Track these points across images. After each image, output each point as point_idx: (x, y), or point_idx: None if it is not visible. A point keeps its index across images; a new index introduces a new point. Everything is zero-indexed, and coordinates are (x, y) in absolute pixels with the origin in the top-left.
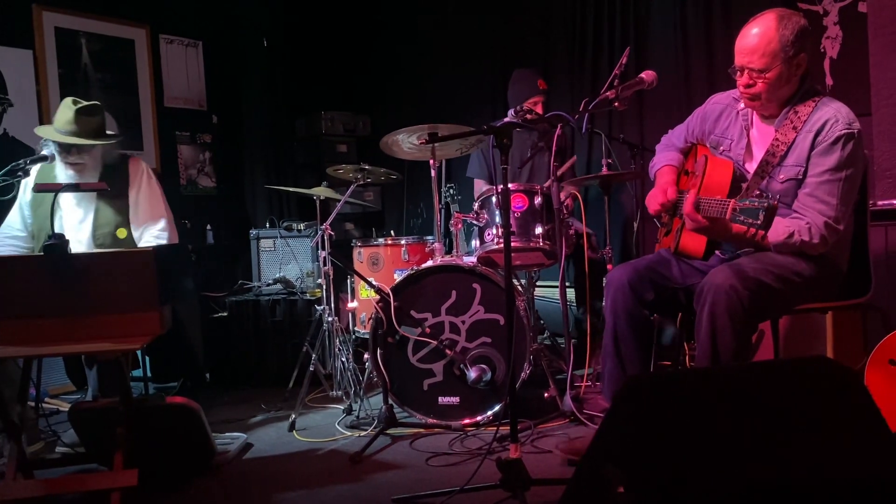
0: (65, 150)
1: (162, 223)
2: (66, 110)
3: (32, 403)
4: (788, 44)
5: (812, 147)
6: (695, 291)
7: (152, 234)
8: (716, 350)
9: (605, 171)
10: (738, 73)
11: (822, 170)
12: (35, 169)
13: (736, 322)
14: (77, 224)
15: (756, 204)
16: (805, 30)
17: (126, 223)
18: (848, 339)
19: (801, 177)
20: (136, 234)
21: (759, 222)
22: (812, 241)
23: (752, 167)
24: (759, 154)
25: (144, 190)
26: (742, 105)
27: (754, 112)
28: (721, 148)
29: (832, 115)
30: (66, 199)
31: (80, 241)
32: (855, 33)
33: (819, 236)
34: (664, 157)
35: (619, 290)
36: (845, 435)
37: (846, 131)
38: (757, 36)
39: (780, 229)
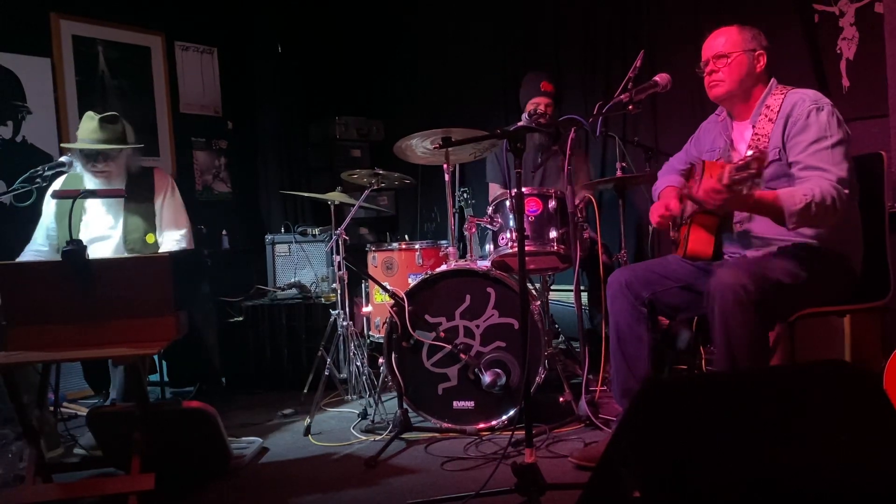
0: (91, 159)
1: (184, 230)
2: (89, 121)
3: (51, 408)
4: (749, 38)
5: (784, 129)
6: (701, 291)
7: (173, 238)
8: (731, 350)
9: (619, 174)
10: (704, 66)
11: (806, 144)
12: (60, 180)
13: (748, 319)
14: (108, 230)
15: (747, 158)
16: (762, 36)
17: (153, 229)
18: (866, 343)
19: (779, 157)
20: (158, 239)
21: (753, 171)
22: (825, 202)
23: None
24: (741, 149)
25: (169, 201)
26: (721, 116)
27: (728, 117)
28: (715, 158)
29: (798, 98)
30: (97, 208)
31: (111, 245)
32: (872, 34)
33: (830, 198)
34: (665, 180)
35: (617, 291)
36: (864, 440)
37: (814, 105)
38: (719, 32)
39: (796, 197)
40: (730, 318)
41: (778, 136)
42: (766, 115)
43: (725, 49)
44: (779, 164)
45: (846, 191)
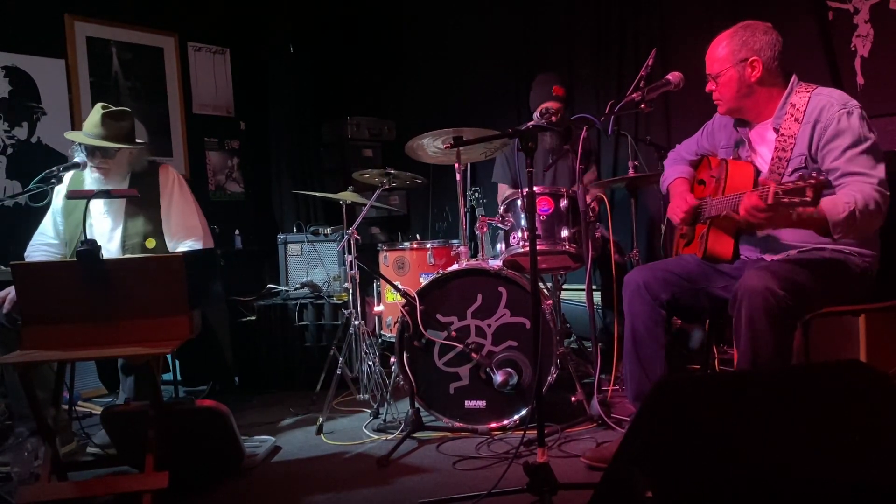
0: (90, 153)
1: (196, 236)
2: (94, 114)
3: (66, 406)
4: (737, 47)
5: (812, 135)
6: (718, 294)
7: (184, 248)
8: (756, 353)
9: (631, 173)
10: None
11: (842, 149)
12: (68, 176)
13: (775, 324)
14: (107, 233)
15: (801, 183)
16: (759, 34)
17: (155, 233)
18: (882, 343)
19: (804, 165)
20: (170, 245)
21: (808, 198)
22: (869, 207)
23: (760, 164)
24: (763, 150)
25: (177, 200)
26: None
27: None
28: (732, 155)
29: (825, 101)
30: (96, 209)
31: (109, 251)
32: (886, 31)
33: (874, 202)
34: (675, 171)
35: (635, 292)
36: (880, 441)
37: (843, 109)
38: (714, 44)
39: (839, 206)
40: (757, 321)
41: (804, 143)
42: (792, 115)
43: (714, 69)
44: (804, 172)
45: (888, 192)
